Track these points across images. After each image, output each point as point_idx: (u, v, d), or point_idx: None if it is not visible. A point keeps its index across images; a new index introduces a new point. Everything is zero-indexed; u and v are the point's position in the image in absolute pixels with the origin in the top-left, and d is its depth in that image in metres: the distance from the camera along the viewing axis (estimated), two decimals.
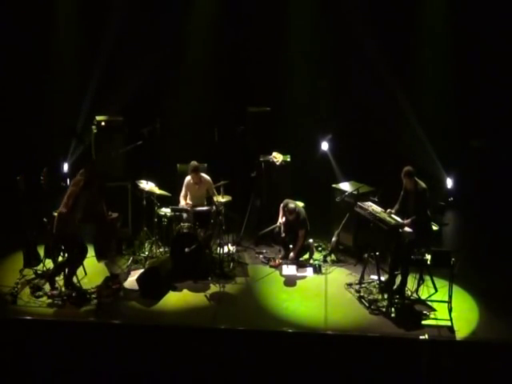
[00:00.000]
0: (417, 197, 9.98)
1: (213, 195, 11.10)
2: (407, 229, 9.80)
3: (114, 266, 10.79)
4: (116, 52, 13.68)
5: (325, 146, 12.52)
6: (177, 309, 9.83)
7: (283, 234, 11.23)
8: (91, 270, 10.50)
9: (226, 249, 11.05)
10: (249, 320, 9.54)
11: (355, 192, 11.24)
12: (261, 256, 11.44)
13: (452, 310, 9.60)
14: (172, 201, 11.31)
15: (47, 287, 10.07)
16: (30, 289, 10.02)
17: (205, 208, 11.08)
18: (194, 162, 11.09)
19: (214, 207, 10.90)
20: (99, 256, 10.57)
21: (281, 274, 10.87)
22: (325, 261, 11.25)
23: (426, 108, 13.79)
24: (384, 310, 9.70)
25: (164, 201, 11.31)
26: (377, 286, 10.26)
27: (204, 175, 11.28)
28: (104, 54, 13.63)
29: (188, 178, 11.26)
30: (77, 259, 10.06)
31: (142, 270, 10.47)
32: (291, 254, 11.11)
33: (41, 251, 10.42)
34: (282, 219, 11.26)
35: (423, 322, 9.48)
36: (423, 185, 10.01)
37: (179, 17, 13.87)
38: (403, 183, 10.13)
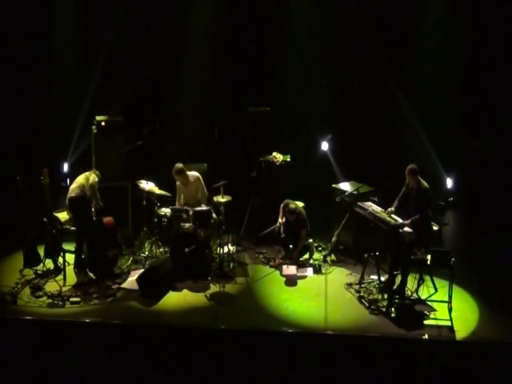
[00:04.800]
0: (419, 196, 10.00)
1: (202, 191, 11.08)
2: (407, 229, 9.80)
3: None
4: (116, 52, 13.67)
5: (325, 146, 12.52)
6: (177, 309, 9.83)
7: (283, 235, 11.23)
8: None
9: (225, 249, 11.05)
10: (249, 320, 9.53)
11: (355, 192, 11.24)
12: (261, 256, 11.44)
13: (452, 309, 9.60)
14: (172, 201, 11.30)
15: (47, 287, 10.08)
16: (30, 289, 10.02)
17: (205, 208, 11.08)
18: (177, 165, 10.92)
19: (204, 202, 11.00)
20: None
21: (281, 274, 10.87)
22: (325, 261, 11.25)
23: (426, 108, 13.77)
24: (384, 310, 9.69)
25: (164, 201, 11.32)
26: (377, 286, 10.26)
27: (191, 173, 11.17)
28: (104, 53, 13.62)
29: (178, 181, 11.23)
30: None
31: (142, 270, 10.47)
32: (293, 255, 11.10)
33: (41, 251, 10.43)
34: (281, 219, 11.25)
35: (423, 322, 9.47)
36: (426, 184, 10.02)
37: (179, 16, 13.86)
38: (406, 181, 10.15)
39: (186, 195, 11.13)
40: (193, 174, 11.22)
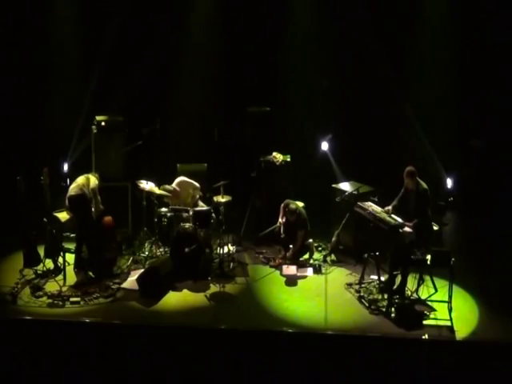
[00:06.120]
0: (418, 197, 9.99)
1: (192, 186, 11.22)
2: (407, 229, 9.80)
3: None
4: (116, 52, 13.66)
5: (325, 146, 12.51)
6: (177, 309, 9.83)
7: (283, 235, 11.23)
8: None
9: (225, 249, 11.05)
10: (249, 320, 9.53)
11: (355, 192, 11.24)
12: (261, 256, 11.44)
13: (452, 309, 9.60)
14: None
15: (47, 287, 10.08)
16: (30, 289, 10.02)
17: (205, 208, 11.09)
18: (165, 187, 11.12)
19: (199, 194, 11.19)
20: None
21: (281, 274, 10.87)
22: (325, 261, 11.25)
23: (425, 108, 13.77)
24: (384, 310, 9.69)
25: (164, 201, 11.32)
26: (377, 286, 10.26)
27: (176, 181, 11.30)
28: (104, 53, 13.62)
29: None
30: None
31: (141, 270, 10.47)
32: (288, 254, 11.12)
33: (41, 251, 10.43)
34: (282, 219, 11.25)
35: (423, 322, 9.47)
36: (425, 185, 10.01)
37: (179, 16, 13.86)
38: (404, 183, 10.14)
39: (183, 202, 11.18)
40: (177, 181, 11.30)
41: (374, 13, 13.52)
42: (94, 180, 10.53)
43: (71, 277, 10.33)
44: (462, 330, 9.24)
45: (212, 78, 14.06)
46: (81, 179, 10.49)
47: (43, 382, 8.83)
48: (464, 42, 13.48)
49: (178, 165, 12.34)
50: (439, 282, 9.90)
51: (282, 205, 11.25)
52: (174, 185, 11.25)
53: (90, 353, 8.89)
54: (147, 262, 10.88)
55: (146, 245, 11.35)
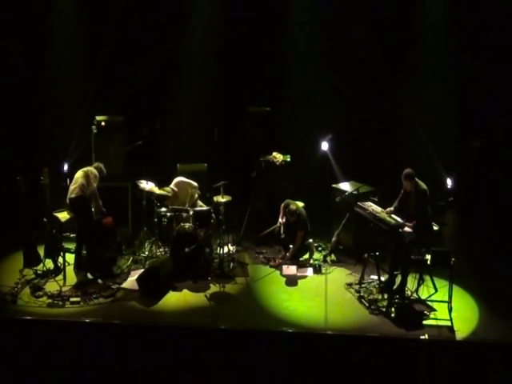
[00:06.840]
0: (418, 198, 9.98)
1: (190, 186, 11.24)
2: (407, 229, 9.81)
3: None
4: (116, 52, 13.66)
5: (325, 146, 12.50)
6: (177, 309, 9.83)
7: (283, 235, 11.23)
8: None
9: (225, 249, 11.05)
10: (249, 320, 9.54)
11: (355, 192, 11.24)
12: (261, 256, 11.44)
13: (452, 309, 9.60)
14: None
15: (47, 287, 10.08)
16: (30, 289, 10.03)
17: (205, 208, 11.09)
18: (163, 189, 11.16)
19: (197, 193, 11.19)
20: None
21: (281, 274, 10.87)
22: (325, 261, 11.25)
23: (425, 108, 13.77)
24: (384, 310, 9.69)
25: (164, 201, 11.32)
26: (377, 286, 10.26)
27: (174, 181, 11.32)
28: (104, 53, 13.62)
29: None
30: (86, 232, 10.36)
31: (142, 270, 10.48)
32: (287, 255, 11.13)
33: (41, 251, 10.43)
34: (282, 219, 11.25)
35: (423, 322, 9.47)
36: (424, 186, 10.01)
37: (179, 16, 13.86)
38: (403, 185, 10.14)
39: (183, 201, 11.19)
40: (175, 182, 11.32)
41: (374, 12, 13.52)
42: (93, 177, 10.41)
43: (71, 277, 10.34)
44: (461, 330, 9.25)
45: (212, 77, 14.06)
46: (81, 176, 10.39)
47: (43, 381, 8.82)
48: (464, 41, 13.48)
49: (178, 165, 12.35)
50: (439, 282, 9.91)
51: (282, 205, 11.25)
52: (172, 186, 11.25)
53: (90, 353, 8.89)
54: (147, 262, 10.88)
55: (146, 245, 11.36)
